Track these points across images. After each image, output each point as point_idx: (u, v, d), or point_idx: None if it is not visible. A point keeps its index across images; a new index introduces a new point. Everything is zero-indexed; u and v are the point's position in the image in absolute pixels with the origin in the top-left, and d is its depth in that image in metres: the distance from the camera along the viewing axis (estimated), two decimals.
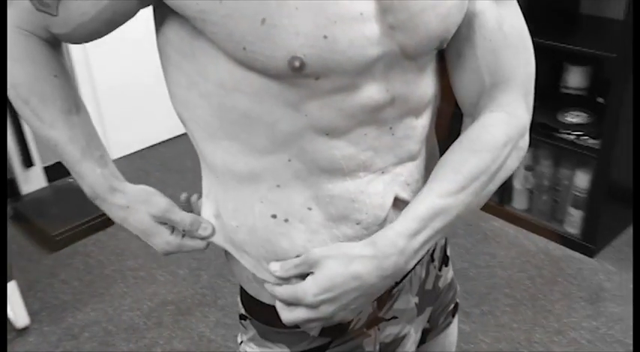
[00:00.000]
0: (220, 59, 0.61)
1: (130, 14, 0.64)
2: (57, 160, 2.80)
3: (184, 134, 3.24)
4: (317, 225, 0.68)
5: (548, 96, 2.22)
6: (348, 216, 0.68)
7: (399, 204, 0.71)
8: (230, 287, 2.15)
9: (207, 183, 0.74)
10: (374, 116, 0.66)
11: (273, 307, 0.71)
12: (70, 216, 2.47)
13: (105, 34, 0.66)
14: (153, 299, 2.12)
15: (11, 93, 0.70)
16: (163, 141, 3.22)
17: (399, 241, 0.65)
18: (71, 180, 2.86)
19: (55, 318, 2.04)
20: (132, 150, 3.11)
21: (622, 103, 1.92)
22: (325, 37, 0.57)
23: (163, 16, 0.64)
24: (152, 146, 3.19)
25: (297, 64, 0.58)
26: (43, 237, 2.41)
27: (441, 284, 0.89)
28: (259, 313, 0.78)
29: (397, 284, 0.79)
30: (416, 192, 0.72)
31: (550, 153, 2.24)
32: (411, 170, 0.72)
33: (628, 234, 2.32)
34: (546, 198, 2.32)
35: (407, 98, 0.68)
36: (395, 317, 0.81)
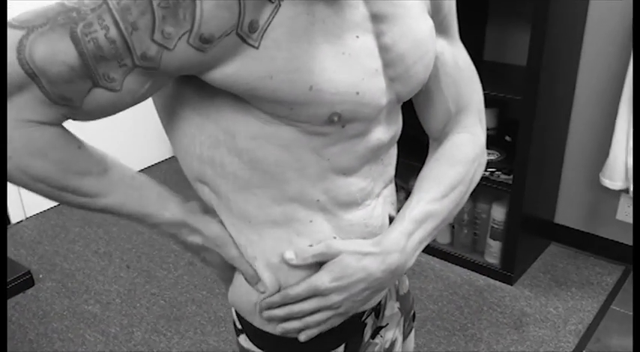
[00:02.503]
0: (250, 116, 0.65)
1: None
2: None
3: None
4: None
5: None
6: (364, 239, 0.77)
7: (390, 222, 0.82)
8: (165, 341, 2.10)
9: (236, 230, 0.75)
10: (376, 153, 0.77)
11: (292, 339, 0.77)
12: None
13: None
14: None
15: (39, 187, 0.63)
16: None
17: (400, 240, 0.75)
18: None
19: None
20: (49, 206, 2.98)
21: (530, 141, 2.10)
22: (357, 93, 0.66)
23: (180, 79, 0.65)
24: None
25: (336, 118, 0.66)
26: None
27: (405, 289, 0.98)
28: (277, 346, 0.80)
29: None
30: (397, 209, 0.83)
31: None
32: (392, 191, 0.85)
33: (541, 261, 2.50)
34: (467, 231, 2.46)
35: (396, 134, 0.80)
36: (388, 324, 0.90)
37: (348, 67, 0.65)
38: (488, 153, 2.36)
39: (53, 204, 2.98)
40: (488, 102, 2.42)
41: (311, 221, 0.74)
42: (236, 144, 0.68)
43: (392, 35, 0.69)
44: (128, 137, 3.23)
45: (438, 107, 0.85)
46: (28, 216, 2.89)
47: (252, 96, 0.63)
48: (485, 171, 2.28)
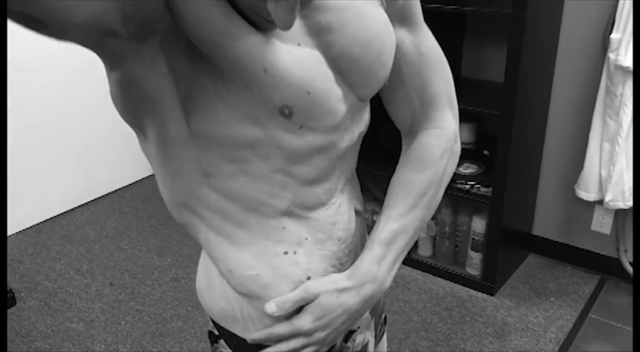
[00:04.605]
0: (220, 157, 0.69)
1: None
2: None
3: (85, 204, 3.16)
4: (312, 249, 0.78)
5: None
6: (332, 236, 0.80)
7: (357, 215, 0.85)
8: None
9: (213, 245, 0.77)
10: (343, 156, 0.78)
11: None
12: None
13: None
14: None
15: None
16: (62, 213, 3.10)
17: (371, 269, 0.77)
18: None
19: None
20: (27, 225, 2.96)
21: (508, 155, 2.16)
22: (309, 93, 0.67)
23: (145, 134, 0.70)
24: (50, 219, 3.05)
25: (286, 111, 0.67)
26: None
27: None
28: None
29: None
30: (361, 203, 0.85)
31: (449, 202, 2.44)
32: (353, 185, 0.85)
33: (520, 272, 2.56)
34: (448, 243, 2.51)
35: (364, 130, 0.81)
36: (359, 327, 0.91)
37: (297, 64, 0.66)
38: (467, 167, 2.42)
39: (33, 222, 2.96)
40: (467, 118, 2.51)
41: (284, 227, 0.76)
42: (217, 183, 0.71)
43: (342, 42, 0.69)
44: (126, 149, 3.23)
45: (401, 100, 0.84)
46: (8, 234, 2.86)
47: (215, 51, 0.61)
48: (466, 184, 2.34)
